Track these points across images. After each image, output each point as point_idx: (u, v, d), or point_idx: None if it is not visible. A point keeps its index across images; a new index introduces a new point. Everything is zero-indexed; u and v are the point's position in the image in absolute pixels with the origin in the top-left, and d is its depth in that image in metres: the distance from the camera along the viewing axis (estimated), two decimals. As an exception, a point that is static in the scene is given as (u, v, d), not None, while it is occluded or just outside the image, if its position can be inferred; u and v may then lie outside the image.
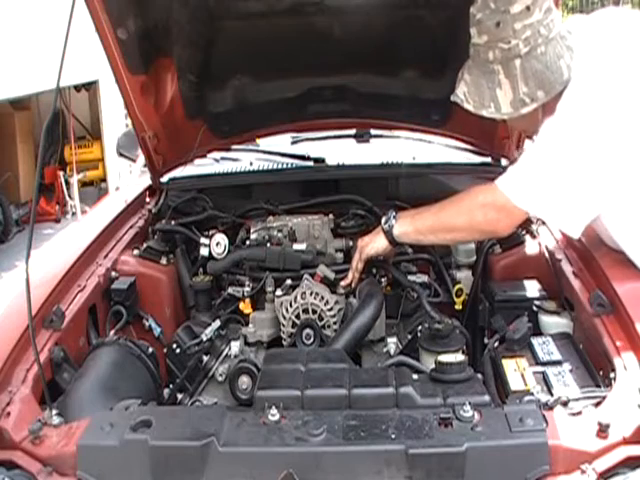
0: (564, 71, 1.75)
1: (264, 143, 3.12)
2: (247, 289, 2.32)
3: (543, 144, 1.80)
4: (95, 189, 9.04)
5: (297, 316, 2.15)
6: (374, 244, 2.10)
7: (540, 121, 1.85)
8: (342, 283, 2.22)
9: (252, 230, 2.51)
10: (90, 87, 8.64)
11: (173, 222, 2.57)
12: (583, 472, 1.35)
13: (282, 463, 1.37)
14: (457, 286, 2.32)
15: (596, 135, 1.71)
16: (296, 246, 2.39)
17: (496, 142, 2.72)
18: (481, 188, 1.93)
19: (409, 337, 2.06)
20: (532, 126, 1.89)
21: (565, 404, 1.53)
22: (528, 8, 1.71)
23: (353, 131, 3.03)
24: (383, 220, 2.09)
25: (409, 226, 2.03)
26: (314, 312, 2.15)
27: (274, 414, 1.48)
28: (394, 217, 2.06)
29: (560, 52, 1.75)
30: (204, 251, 2.45)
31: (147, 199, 2.83)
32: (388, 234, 2.05)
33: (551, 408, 1.51)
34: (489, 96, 1.80)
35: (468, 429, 1.42)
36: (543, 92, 1.76)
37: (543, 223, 2.41)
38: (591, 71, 1.76)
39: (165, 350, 2.17)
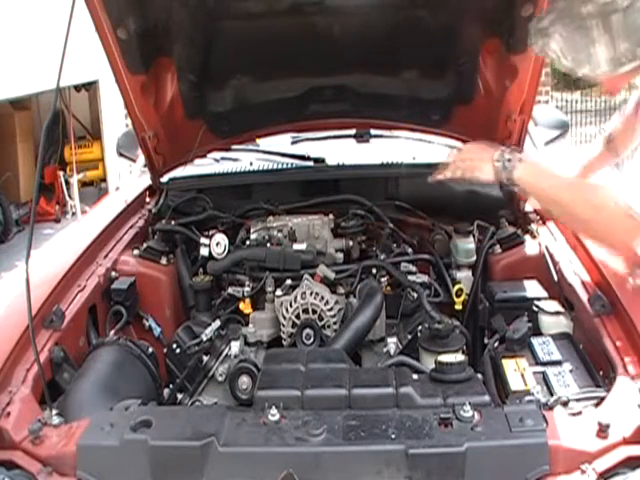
0: None
1: (264, 143, 3.12)
2: (247, 289, 2.32)
3: None
4: (95, 189, 9.05)
5: (297, 316, 2.15)
6: (482, 173, 1.89)
7: (635, 77, 1.74)
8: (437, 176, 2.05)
9: (252, 230, 2.51)
10: (90, 87, 8.65)
11: (173, 222, 2.57)
12: (583, 472, 1.35)
13: (282, 463, 1.37)
14: (457, 286, 2.32)
15: None
16: (296, 246, 2.39)
17: (496, 142, 2.71)
18: (615, 192, 1.75)
19: (409, 337, 2.06)
20: (621, 83, 1.78)
21: (565, 404, 1.53)
22: None
23: (353, 131, 3.03)
24: (497, 154, 1.86)
25: (532, 179, 1.83)
26: (314, 312, 2.15)
27: (274, 414, 1.48)
28: (518, 159, 1.84)
29: None
30: (204, 251, 2.45)
31: (147, 199, 2.83)
32: (504, 171, 1.83)
33: (551, 408, 1.51)
34: (585, 54, 1.66)
35: (468, 429, 1.42)
36: None
37: (544, 223, 2.41)
38: None
39: (165, 350, 2.17)
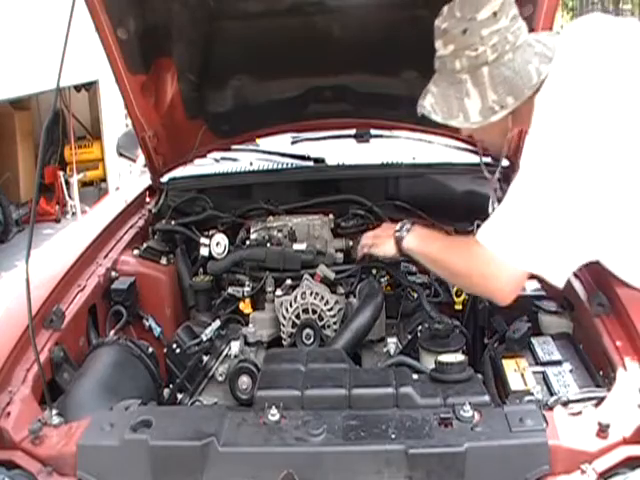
0: (533, 75, 1.70)
1: (264, 143, 3.12)
2: (247, 289, 2.32)
3: (519, 187, 1.68)
4: (95, 189, 9.06)
5: (297, 316, 2.15)
6: (384, 247, 2.05)
7: (509, 130, 1.84)
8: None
9: (252, 230, 2.51)
10: (90, 87, 8.65)
11: (173, 222, 2.58)
12: (583, 472, 1.35)
13: (282, 463, 1.37)
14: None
15: (576, 166, 1.59)
16: (296, 246, 2.39)
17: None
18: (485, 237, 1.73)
19: (409, 337, 2.06)
20: (500, 137, 1.88)
21: (565, 404, 1.53)
22: (495, 14, 1.68)
23: (353, 131, 3.03)
24: (397, 226, 2.02)
25: (417, 245, 1.95)
26: (314, 312, 2.15)
27: (274, 414, 1.48)
28: (408, 229, 1.98)
29: (528, 58, 1.70)
30: (204, 251, 2.45)
31: (147, 199, 2.83)
32: (399, 242, 1.99)
33: (551, 408, 1.51)
34: (457, 106, 1.75)
35: (468, 429, 1.42)
36: (512, 98, 1.71)
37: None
38: (565, 86, 1.67)
39: (165, 350, 2.17)
